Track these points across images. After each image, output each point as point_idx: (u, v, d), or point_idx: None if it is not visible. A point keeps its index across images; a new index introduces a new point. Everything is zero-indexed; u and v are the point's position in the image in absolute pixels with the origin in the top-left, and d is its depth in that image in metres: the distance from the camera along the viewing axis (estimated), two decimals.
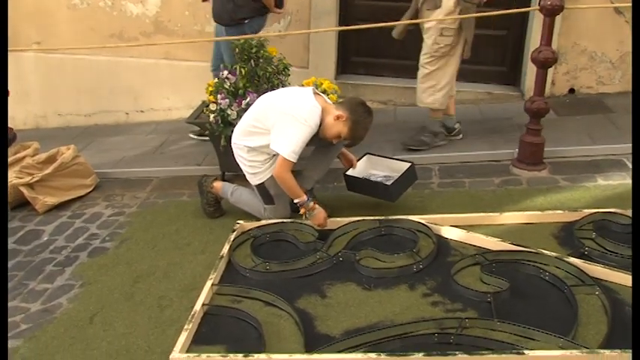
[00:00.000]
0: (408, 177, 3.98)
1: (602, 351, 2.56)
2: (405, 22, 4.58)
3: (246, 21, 4.87)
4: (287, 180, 3.61)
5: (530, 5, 5.20)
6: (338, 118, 3.57)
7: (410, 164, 4.01)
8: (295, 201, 3.68)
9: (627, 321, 2.77)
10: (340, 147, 3.95)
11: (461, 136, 4.87)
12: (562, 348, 2.60)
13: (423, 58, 4.55)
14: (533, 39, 5.26)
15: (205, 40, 4.94)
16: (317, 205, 3.70)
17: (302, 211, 3.68)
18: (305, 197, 3.66)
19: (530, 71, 5.43)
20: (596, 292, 2.95)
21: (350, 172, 4.00)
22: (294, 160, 3.56)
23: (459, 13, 4.35)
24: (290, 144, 3.52)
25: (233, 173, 4.31)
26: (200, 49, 5.55)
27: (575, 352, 2.56)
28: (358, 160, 4.06)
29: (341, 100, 4.08)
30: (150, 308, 3.22)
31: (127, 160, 5.31)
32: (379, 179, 3.98)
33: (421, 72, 4.59)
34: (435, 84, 4.58)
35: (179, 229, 4.03)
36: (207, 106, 4.37)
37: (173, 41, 5.49)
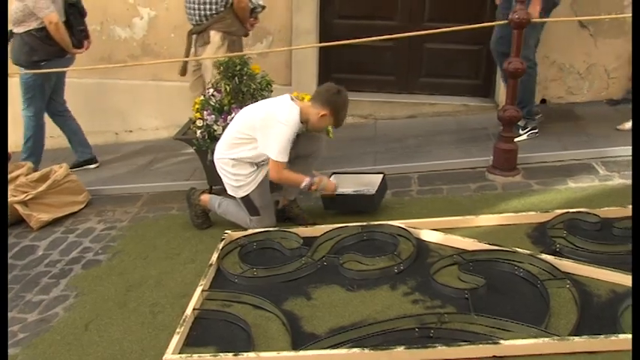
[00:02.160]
0: (384, 187, 4.15)
1: (571, 338, 2.72)
2: (182, 59, 4.94)
3: (42, 63, 5.03)
4: (285, 178, 3.84)
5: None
6: (322, 116, 3.76)
7: (383, 175, 4.18)
8: (302, 186, 3.87)
9: (595, 311, 2.94)
10: (319, 155, 4.10)
11: None
12: (535, 337, 2.74)
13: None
14: None
15: (194, 59, 5.10)
16: (322, 177, 3.93)
17: (313, 188, 3.89)
18: (307, 178, 3.86)
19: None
20: (567, 285, 3.11)
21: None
22: (284, 160, 3.74)
23: (228, 45, 4.75)
24: (276, 146, 3.70)
25: (220, 187, 4.46)
26: None
27: (547, 339, 2.71)
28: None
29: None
30: (143, 315, 3.35)
31: (118, 177, 5.45)
32: None
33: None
34: None
35: (169, 240, 4.17)
36: (194, 122, 4.53)
37: (159, 61, 5.65)
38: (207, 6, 4.81)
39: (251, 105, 4.02)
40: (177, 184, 5.05)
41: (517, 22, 4.16)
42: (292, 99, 3.86)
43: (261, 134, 3.74)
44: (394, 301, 3.19)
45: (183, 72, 5.07)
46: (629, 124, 4.85)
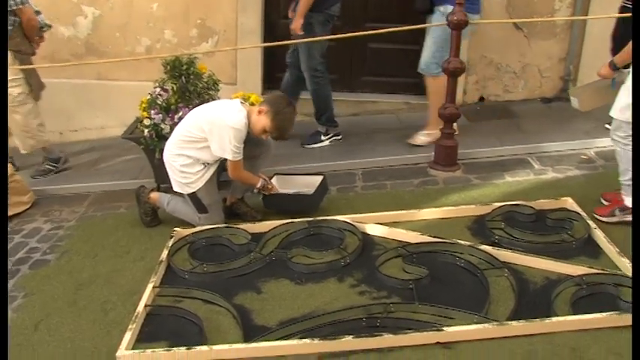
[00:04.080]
0: (324, 188, 4.25)
1: (510, 323, 2.89)
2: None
3: None
4: (243, 178, 4.00)
5: None
6: (260, 112, 3.83)
7: (323, 176, 4.29)
8: (257, 187, 4.05)
9: (531, 297, 3.13)
10: (267, 157, 4.20)
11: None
12: (476, 323, 2.91)
13: None
14: None
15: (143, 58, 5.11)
16: (271, 183, 4.16)
17: (268, 189, 4.11)
18: (261, 180, 4.05)
19: None
20: (505, 274, 3.29)
21: None
22: (240, 157, 3.85)
23: (19, 64, 4.91)
24: (229, 147, 3.78)
25: (168, 185, 4.48)
26: (131, 69, 5.71)
27: (487, 325, 2.88)
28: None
29: None
30: (94, 312, 3.36)
31: (64, 177, 5.39)
32: None
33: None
34: (28, 129, 5.16)
35: (118, 238, 4.17)
36: (141, 121, 4.54)
37: (104, 61, 5.62)
38: None
39: (202, 106, 4.08)
40: (124, 182, 5.02)
41: (455, 23, 4.33)
42: (241, 102, 3.94)
43: (213, 138, 3.81)
44: (342, 293, 3.30)
45: None
46: (421, 138, 5.10)
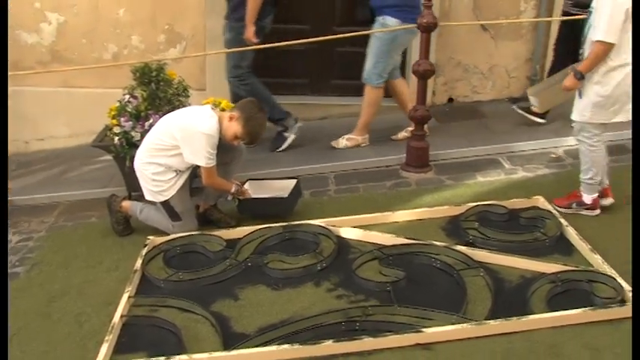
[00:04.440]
0: (298, 191, 4.25)
1: (488, 322, 2.93)
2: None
3: None
4: (216, 184, 3.98)
5: None
6: (231, 118, 3.82)
7: (297, 180, 4.28)
8: (232, 192, 4.04)
9: (507, 295, 3.17)
10: (239, 162, 4.18)
11: None
12: (455, 323, 2.93)
13: None
14: (414, 55, 5.69)
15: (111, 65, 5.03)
16: (244, 188, 4.15)
17: (241, 194, 4.10)
18: (235, 186, 4.04)
19: (412, 84, 5.83)
20: (481, 274, 3.32)
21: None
22: (214, 164, 3.82)
23: None
24: (202, 154, 3.76)
25: (139, 193, 4.43)
26: (98, 76, 5.62)
27: (466, 325, 2.91)
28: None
29: None
30: (68, 325, 3.29)
31: (31, 187, 5.27)
32: None
33: None
34: None
35: (90, 248, 4.10)
36: (111, 129, 4.48)
37: (71, 68, 5.53)
38: None
39: (172, 113, 4.04)
40: (94, 191, 4.94)
41: (424, 26, 4.37)
42: (212, 109, 3.92)
43: (185, 145, 3.78)
44: (319, 298, 3.30)
45: None
46: (402, 134, 5.21)
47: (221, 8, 5.14)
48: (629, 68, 3.49)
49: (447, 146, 5.04)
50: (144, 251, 3.81)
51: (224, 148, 3.90)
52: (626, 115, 3.61)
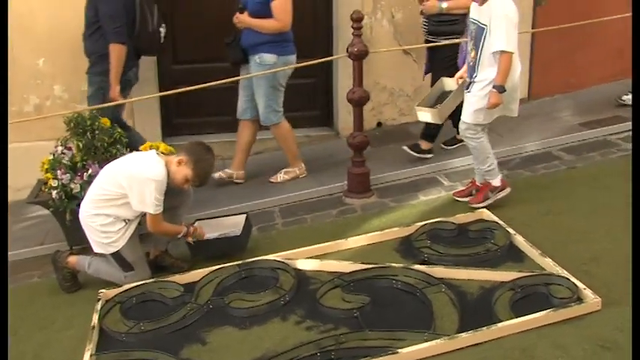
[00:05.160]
0: (249, 227, 4.24)
1: (459, 335, 3.00)
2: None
3: None
4: (164, 230, 3.90)
5: (332, 55, 5.77)
6: (180, 162, 3.78)
7: (246, 215, 4.28)
8: (180, 236, 3.97)
9: (471, 308, 3.26)
10: (187, 206, 4.14)
11: None
12: (427, 340, 2.98)
13: None
14: (340, 82, 5.84)
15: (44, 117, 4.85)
16: (196, 227, 4.06)
17: (189, 239, 4.00)
18: (184, 228, 3.97)
19: (341, 111, 5.99)
20: (443, 289, 3.40)
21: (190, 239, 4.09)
22: (161, 210, 3.75)
23: None
24: (151, 201, 3.68)
25: (82, 246, 4.30)
26: (19, 130, 5.40)
27: (439, 341, 2.97)
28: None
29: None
30: None
31: None
32: None
33: None
34: None
35: (38, 310, 3.90)
36: (46, 183, 4.33)
37: None
38: None
39: (115, 161, 3.95)
40: (31, 250, 4.72)
41: (356, 54, 4.49)
42: (157, 154, 3.87)
43: (133, 193, 3.70)
44: (289, 332, 3.28)
45: None
46: (281, 176, 5.28)
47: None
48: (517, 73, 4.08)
49: (385, 169, 5.15)
50: (98, 305, 3.67)
51: (172, 192, 3.85)
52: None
